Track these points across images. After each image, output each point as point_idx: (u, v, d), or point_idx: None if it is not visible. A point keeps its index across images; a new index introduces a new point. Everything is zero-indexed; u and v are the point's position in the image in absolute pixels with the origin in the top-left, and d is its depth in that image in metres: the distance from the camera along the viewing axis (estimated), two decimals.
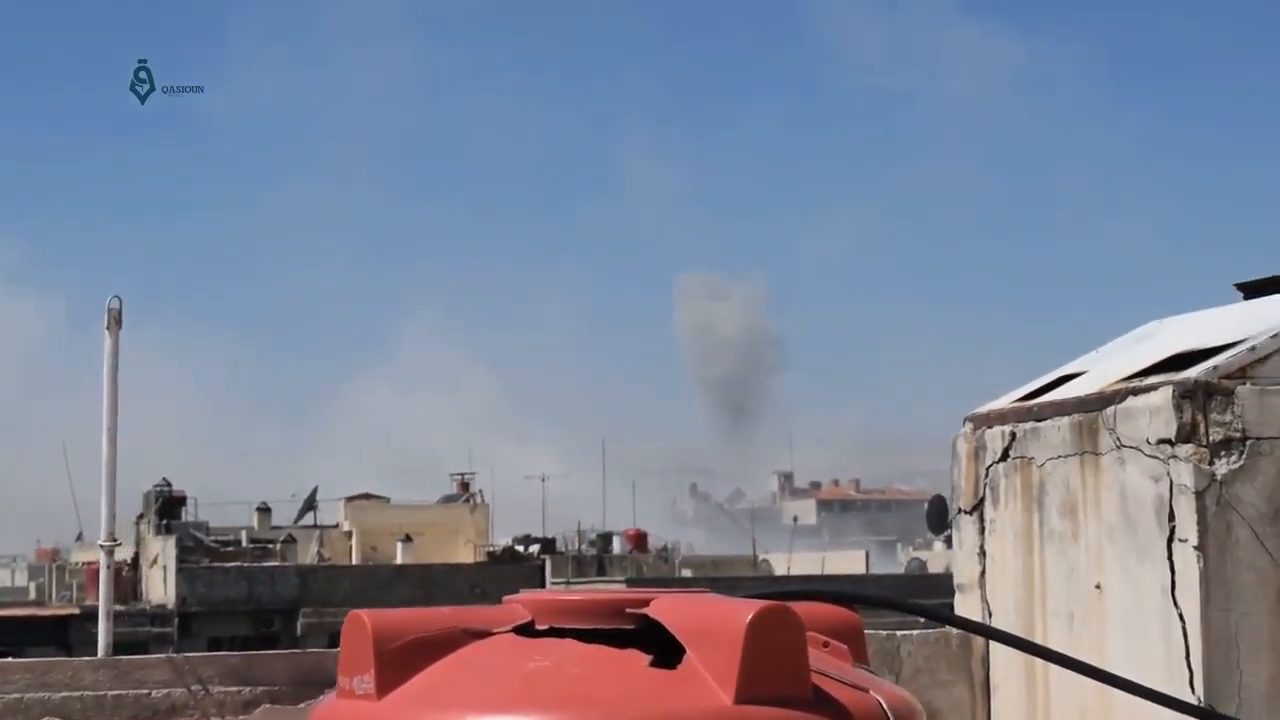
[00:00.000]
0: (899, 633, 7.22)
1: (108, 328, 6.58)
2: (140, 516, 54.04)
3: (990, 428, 7.35)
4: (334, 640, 4.46)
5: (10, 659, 5.97)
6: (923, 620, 6.27)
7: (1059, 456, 6.88)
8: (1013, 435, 7.18)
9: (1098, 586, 6.66)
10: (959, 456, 7.54)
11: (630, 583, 46.53)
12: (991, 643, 7.16)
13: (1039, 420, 7.05)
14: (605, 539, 67.06)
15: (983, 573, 7.34)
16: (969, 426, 7.51)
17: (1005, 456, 7.21)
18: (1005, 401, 7.45)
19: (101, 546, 6.72)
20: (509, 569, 54.39)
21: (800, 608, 4.03)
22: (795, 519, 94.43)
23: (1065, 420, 6.86)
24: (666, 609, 4.09)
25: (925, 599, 6.32)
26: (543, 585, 49.04)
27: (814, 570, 62.70)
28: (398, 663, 4.06)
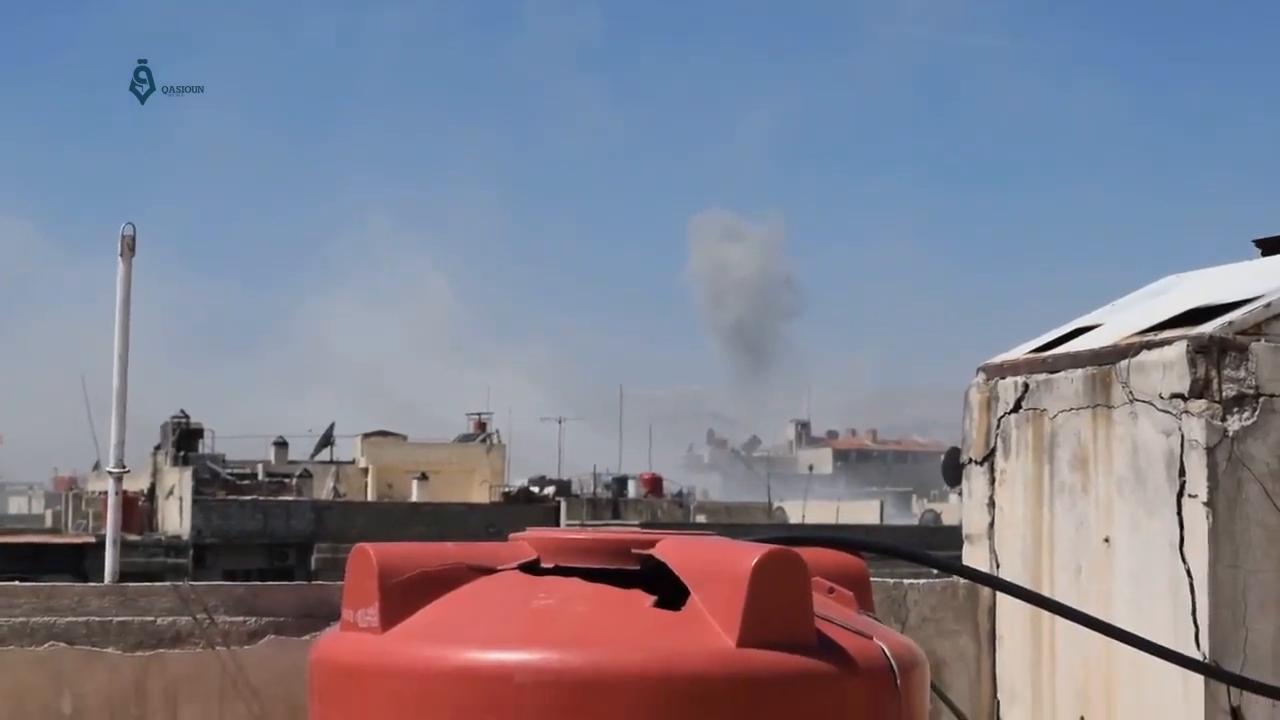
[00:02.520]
0: (906, 582, 7.23)
1: (121, 254, 6.58)
2: (157, 447, 54.21)
3: (1004, 378, 7.33)
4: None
5: (17, 583, 5.99)
6: (934, 572, 6.27)
7: (1071, 409, 6.87)
8: (1026, 386, 7.16)
9: (1106, 540, 6.65)
10: (971, 407, 7.52)
11: (644, 526, 46.53)
12: (998, 594, 7.16)
13: (1052, 372, 7.03)
14: (620, 483, 67.21)
15: (991, 524, 7.34)
16: (982, 377, 7.49)
17: (1017, 408, 7.20)
18: (1019, 353, 7.43)
19: (110, 473, 6.74)
20: (524, 510, 54.53)
21: (806, 553, 4.02)
22: (811, 468, 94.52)
23: (1078, 373, 6.84)
24: (671, 550, 4.09)
25: (938, 551, 6.31)
26: (557, 526, 49.14)
27: (828, 520, 62.77)
28: (402, 597, 4.07)
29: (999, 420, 7.30)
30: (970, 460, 7.50)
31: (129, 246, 6.63)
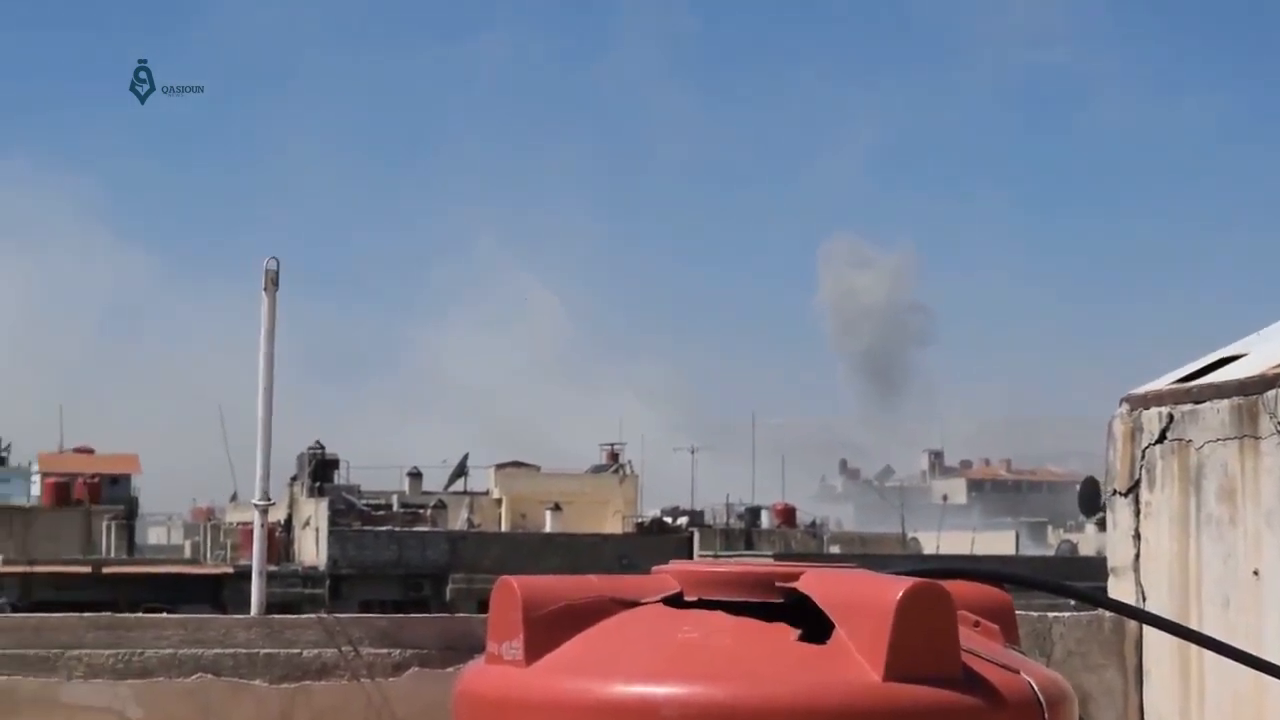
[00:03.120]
0: (1050, 615, 7.15)
1: (265, 288, 6.65)
2: (294, 478, 54.69)
3: (1147, 409, 7.25)
4: (482, 606, 4.48)
5: (165, 614, 6.06)
6: (1073, 603, 6.20)
7: (1217, 440, 6.78)
8: (1170, 417, 7.08)
9: (1255, 573, 6.56)
10: (1115, 438, 7.44)
11: (778, 557, 46.48)
12: (1145, 627, 7.07)
13: (1197, 403, 6.94)
14: (753, 513, 67.02)
15: (1137, 556, 7.25)
16: (1125, 408, 7.41)
17: (1162, 439, 7.11)
18: (1163, 383, 7.34)
19: (255, 505, 6.80)
20: (656, 540, 54.52)
21: (951, 586, 3.99)
22: (945, 498, 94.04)
23: (1224, 403, 6.75)
24: (816, 583, 4.07)
25: (1076, 582, 6.23)
26: (690, 558, 49.13)
27: (963, 550, 62.29)
28: (546, 630, 4.07)
29: (1143, 451, 7.22)
30: (1114, 492, 7.42)
31: (272, 280, 6.70)
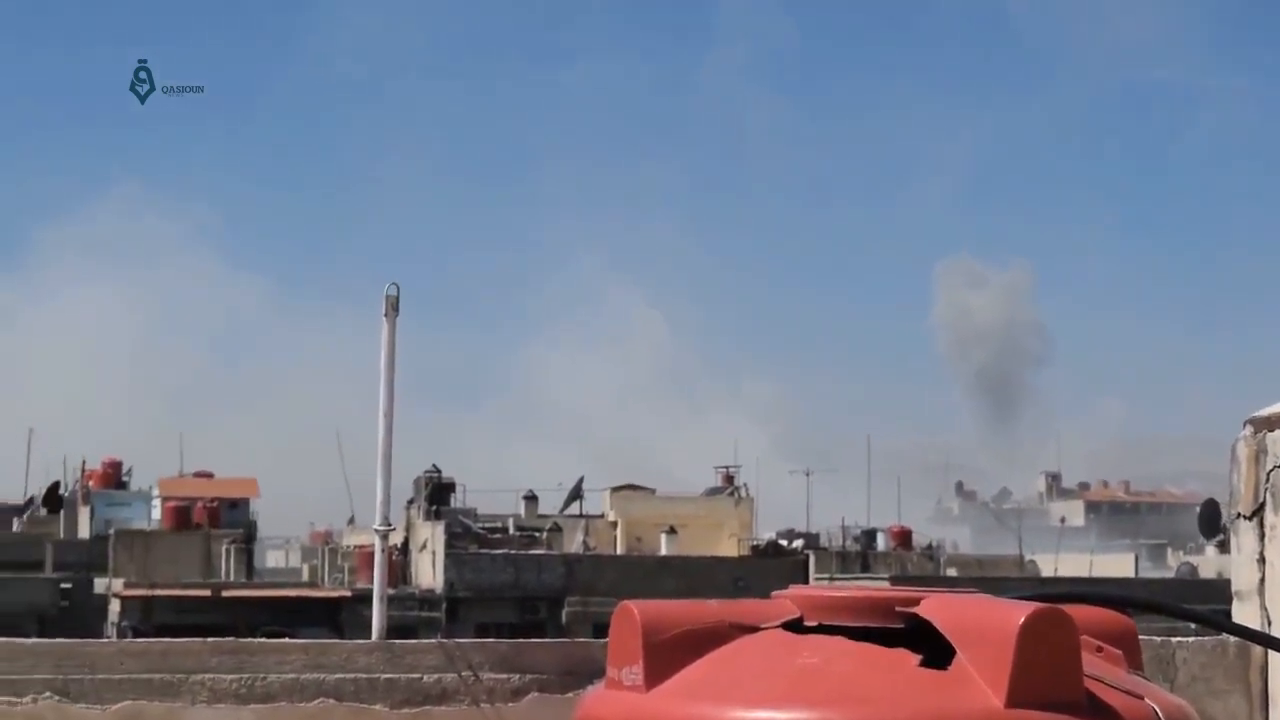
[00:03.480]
0: (1174, 639, 7.07)
1: (385, 314, 6.69)
2: (410, 502, 55.00)
3: (1272, 431, 7.16)
4: (598, 630, 4.49)
5: (287, 639, 6.10)
6: (1194, 627, 6.13)
7: None
8: None
9: None
10: (1239, 460, 7.35)
11: (894, 580, 46.26)
12: (1271, 653, 6.98)
13: None
14: (869, 535, 66.72)
15: (1262, 580, 7.16)
16: (1249, 430, 7.32)
17: None
18: None
19: (376, 530, 6.83)
20: (772, 563, 54.42)
21: (1074, 610, 3.97)
22: (1063, 520, 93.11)
23: None
24: (936, 608, 4.05)
25: (1197, 605, 6.16)
26: (805, 581, 48.98)
27: (1081, 573, 61.74)
28: (666, 655, 4.07)
29: (1268, 474, 7.13)
30: (1239, 515, 7.33)
31: (393, 306, 6.73)
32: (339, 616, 48.03)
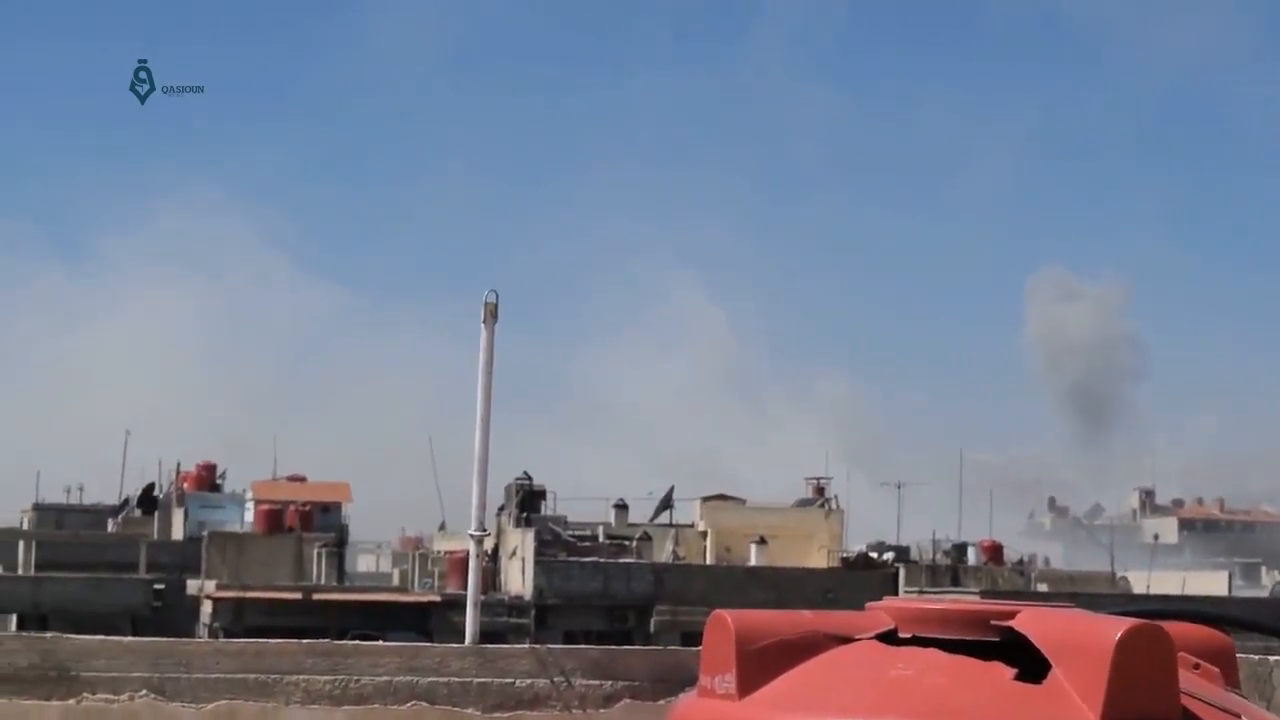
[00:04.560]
0: (1270, 658, 7.01)
1: (484, 320, 6.73)
2: (501, 509, 55.16)
3: None
4: (686, 639, 4.50)
5: (380, 643, 6.15)
6: None
7: None
8: None
9: None
10: None
11: (984, 595, 46.03)
12: None
13: None
14: (960, 550, 66.42)
15: None
16: None
17: None
18: None
19: (472, 535, 6.87)
20: (862, 576, 54.27)
21: (1171, 627, 3.94)
22: (1156, 537, 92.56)
23: None
24: (1032, 622, 4.03)
25: None
26: (895, 594, 48.76)
27: (1173, 590, 61.27)
28: (759, 664, 4.08)
29: None
30: None
31: (491, 313, 6.77)
32: (428, 621, 48.25)
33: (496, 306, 6.73)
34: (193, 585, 54.31)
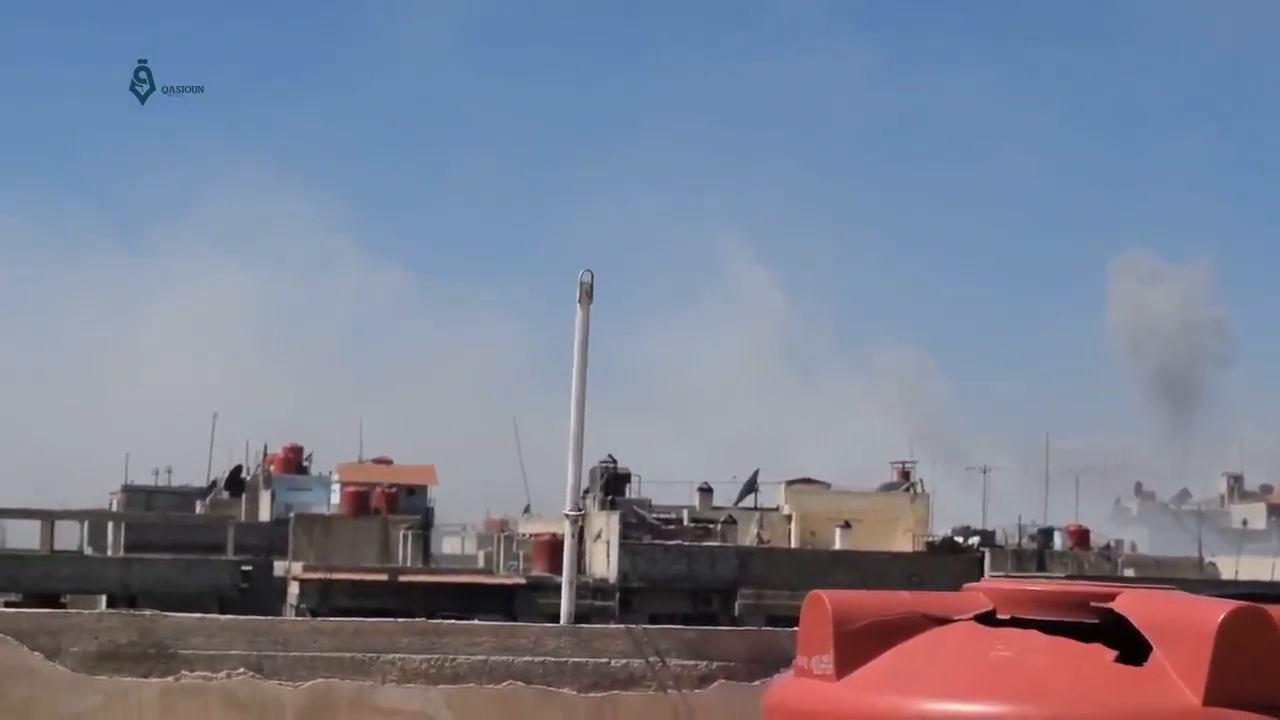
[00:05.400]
0: None
1: (579, 300, 6.74)
2: (586, 491, 55.27)
3: None
4: (771, 623, 4.50)
5: (478, 622, 6.17)
6: None
7: None
8: None
9: None
10: None
11: (1071, 580, 45.71)
12: None
13: None
14: (1046, 534, 66.12)
15: None
16: None
17: None
18: None
19: (567, 515, 6.89)
20: (947, 560, 54.09)
21: (1275, 610, 3.91)
22: (1244, 522, 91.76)
23: None
24: (1133, 604, 4.02)
25: None
26: (981, 578, 48.40)
27: (1262, 576, 60.75)
28: (857, 644, 4.08)
29: None
30: None
31: (587, 293, 6.78)
32: (513, 604, 48.40)
33: (592, 286, 6.73)
34: (279, 567, 54.65)
